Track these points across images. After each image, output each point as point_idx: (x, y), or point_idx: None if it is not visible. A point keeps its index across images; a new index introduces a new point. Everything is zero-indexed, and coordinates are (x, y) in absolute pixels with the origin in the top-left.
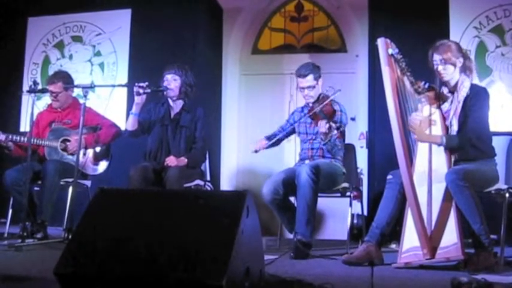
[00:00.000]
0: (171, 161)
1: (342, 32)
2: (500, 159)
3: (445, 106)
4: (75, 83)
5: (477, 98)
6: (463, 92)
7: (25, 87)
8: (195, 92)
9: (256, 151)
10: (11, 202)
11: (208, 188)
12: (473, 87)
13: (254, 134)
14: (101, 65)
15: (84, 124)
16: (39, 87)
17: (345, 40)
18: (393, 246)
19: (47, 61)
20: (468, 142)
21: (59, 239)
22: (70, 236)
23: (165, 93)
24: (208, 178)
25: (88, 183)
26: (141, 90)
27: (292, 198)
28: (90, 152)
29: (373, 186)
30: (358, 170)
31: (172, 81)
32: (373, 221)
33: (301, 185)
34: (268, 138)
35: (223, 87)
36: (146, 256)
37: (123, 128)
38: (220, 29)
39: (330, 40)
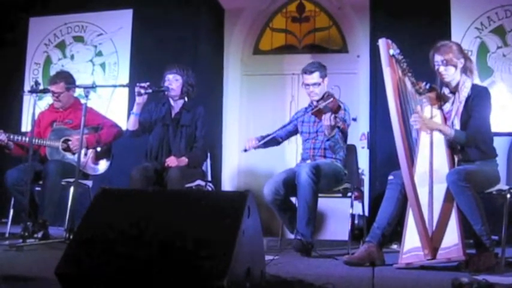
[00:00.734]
0: (171, 161)
1: (344, 33)
2: (501, 160)
3: (447, 107)
4: (77, 83)
5: (479, 98)
6: (464, 92)
7: (26, 87)
8: (195, 92)
9: (245, 150)
10: (12, 202)
11: (210, 189)
12: (475, 88)
13: (256, 134)
14: (103, 65)
15: (86, 124)
16: (41, 87)
17: (347, 40)
18: (394, 246)
19: (48, 61)
20: (473, 142)
21: (60, 239)
22: (71, 236)
23: (166, 93)
24: (209, 178)
25: (89, 183)
26: (142, 91)
27: (293, 199)
28: (91, 152)
29: (375, 187)
30: (360, 171)
31: (174, 81)
32: (375, 221)
33: (301, 185)
34: (260, 139)
35: (224, 87)
36: (147, 256)
37: (124, 128)
38: (221, 29)
39: (332, 40)
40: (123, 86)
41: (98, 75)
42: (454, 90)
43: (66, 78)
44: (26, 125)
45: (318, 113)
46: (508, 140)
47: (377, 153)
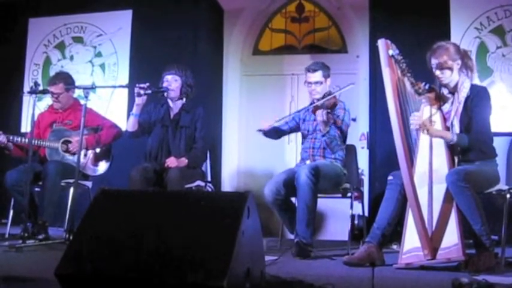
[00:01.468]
0: (171, 162)
1: (343, 33)
2: (501, 160)
3: (446, 107)
4: (76, 84)
5: (478, 99)
6: (464, 92)
7: (26, 88)
8: (194, 92)
9: (261, 130)
10: (12, 203)
11: (209, 189)
12: (474, 88)
13: (255, 134)
14: (102, 66)
15: (85, 125)
16: (40, 88)
17: (346, 41)
18: (394, 247)
19: (48, 62)
20: (477, 144)
21: (60, 240)
22: (71, 237)
23: (165, 94)
24: (209, 179)
25: (89, 184)
26: (141, 91)
27: (293, 199)
28: (91, 153)
29: (374, 187)
30: (359, 171)
31: (173, 82)
32: (374, 221)
33: (300, 186)
34: (274, 124)
35: (224, 87)
36: (147, 257)
37: (124, 128)
38: (221, 30)
39: (331, 41)
40: (123, 86)
41: (98, 76)
42: (453, 91)
43: (66, 79)
44: (25, 126)
45: (315, 109)
46: (508, 140)
47: (376, 154)
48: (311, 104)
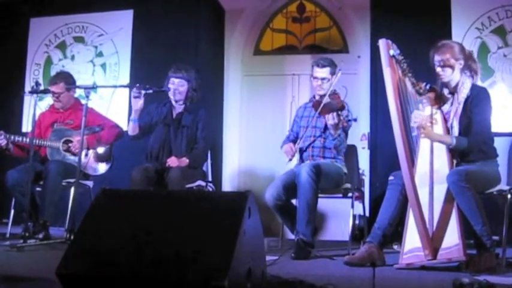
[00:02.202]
0: (172, 161)
1: (344, 33)
2: (502, 160)
3: (446, 107)
4: (77, 83)
5: (479, 99)
6: (463, 93)
7: (27, 88)
8: (199, 96)
9: (290, 160)
10: (13, 202)
11: (210, 189)
12: (474, 88)
13: (256, 134)
14: (103, 66)
15: (86, 125)
16: (41, 87)
17: (347, 41)
18: (395, 247)
19: (49, 62)
20: (477, 146)
21: (60, 240)
22: (72, 237)
23: (169, 94)
24: (210, 179)
25: (90, 183)
26: (137, 93)
27: (295, 201)
28: (92, 153)
29: (375, 187)
30: (360, 171)
31: (179, 86)
32: (375, 221)
33: (301, 184)
34: (293, 141)
35: (225, 88)
36: (148, 257)
37: (125, 128)
38: (222, 30)
39: (332, 41)
40: (124, 86)
41: (99, 75)
42: (454, 91)
43: (66, 79)
44: (26, 126)
45: (323, 110)
46: (509, 140)
47: (377, 154)
48: (311, 100)
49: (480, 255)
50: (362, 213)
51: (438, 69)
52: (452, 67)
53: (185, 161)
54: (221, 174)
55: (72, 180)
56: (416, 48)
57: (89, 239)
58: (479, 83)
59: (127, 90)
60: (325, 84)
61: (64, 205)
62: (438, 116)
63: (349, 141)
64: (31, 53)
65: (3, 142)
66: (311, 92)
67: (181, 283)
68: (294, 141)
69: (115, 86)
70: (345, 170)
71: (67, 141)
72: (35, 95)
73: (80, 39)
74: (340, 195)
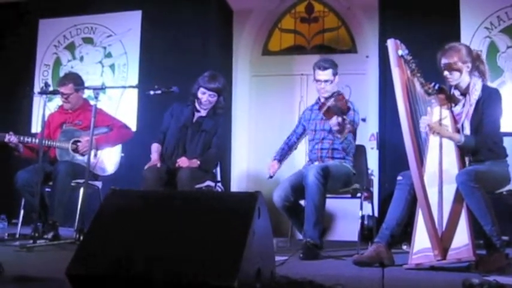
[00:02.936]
0: (182, 161)
1: (352, 33)
2: (511, 160)
3: (457, 109)
4: (86, 84)
5: (490, 100)
6: (475, 95)
7: (36, 89)
8: (224, 109)
9: (271, 176)
10: (22, 203)
11: (219, 189)
12: (485, 89)
13: (264, 134)
14: (112, 67)
15: (95, 125)
16: (50, 88)
17: (355, 41)
18: (404, 247)
19: (58, 63)
20: (485, 146)
21: (70, 240)
22: (81, 237)
23: (196, 103)
24: (219, 179)
25: (99, 184)
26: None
27: (303, 202)
28: (101, 153)
29: (384, 187)
30: (369, 171)
31: (210, 97)
32: (383, 222)
33: (308, 186)
34: (279, 159)
35: (233, 88)
36: (158, 257)
37: (133, 129)
38: (230, 30)
39: (340, 41)
40: (133, 87)
41: (107, 76)
42: (465, 92)
43: (75, 80)
44: (36, 127)
45: (327, 113)
46: None
47: (386, 154)
48: (317, 102)
49: (490, 255)
50: (371, 214)
51: (446, 73)
52: (459, 70)
53: (195, 162)
54: (229, 175)
55: (81, 181)
56: (425, 48)
57: (98, 239)
58: (488, 83)
59: (136, 90)
60: (328, 86)
61: (73, 205)
62: (447, 117)
63: (358, 142)
64: (40, 54)
65: (14, 139)
66: (318, 92)
67: (190, 283)
68: (290, 148)
69: (124, 87)
70: (354, 171)
71: (76, 142)
72: (44, 96)
73: (88, 40)
74: (349, 195)
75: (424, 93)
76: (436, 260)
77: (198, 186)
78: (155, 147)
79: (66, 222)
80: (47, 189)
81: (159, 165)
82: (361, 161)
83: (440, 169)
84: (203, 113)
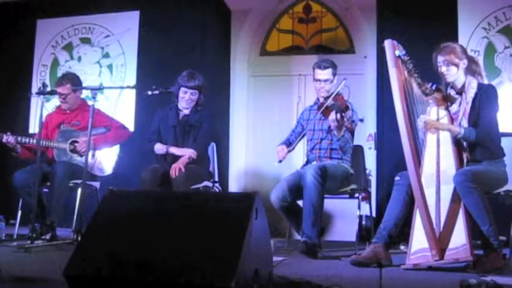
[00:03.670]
0: (175, 169)
1: (350, 33)
2: (509, 160)
3: (454, 108)
4: (84, 84)
5: (486, 97)
6: (471, 93)
7: (34, 89)
8: (204, 102)
9: (280, 161)
10: (20, 203)
11: (217, 190)
12: (481, 86)
13: (262, 135)
14: (110, 67)
15: (93, 126)
16: (48, 89)
17: (353, 41)
18: (402, 247)
19: (55, 63)
20: (484, 139)
21: (68, 241)
22: (79, 238)
23: (178, 103)
24: (216, 179)
25: (97, 184)
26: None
27: (300, 202)
28: (98, 154)
29: (382, 188)
30: (367, 171)
31: (191, 96)
32: (381, 222)
33: (306, 186)
34: (287, 144)
35: (231, 88)
36: (155, 258)
37: (131, 129)
38: (228, 31)
39: (338, 41)
40: (130, 87)
41: (105, 76)
42: (460, 91)
43: (72, 80)
44: (33, 127)
45: (326, 111)
46: None
47: (384, 154)
48: (316, 103)
49: (487, 255)
50: (369, 214)
51: (443, 69)
52: (457, 65)
53: (184, 159)
54: (227, 175)
55: (79, 181)
56: (423, 49)
57: (96, 240)
58: (485, 81)
59: (133, 91)
60: (327, 86)
61: (71, 206)
62: (444, 117)
63: (356, 142)
64: (38, 54)
65: (12, 140)
66: (317, 92)
67: (188, 284)
68: (290, 145)
69: (122, 87)
70: (352, 171)
71: (74, 142)
72: (41, 96)
73: (86, 41)
74: (347, 195)
75: (421, 93)
76: (434, 260)
77: (195, 186)
78: (160, 145)
79: (63, 222)
80: (44, 190)
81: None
82: (359, 161)
83: (437, 169)
84: (187, 111)
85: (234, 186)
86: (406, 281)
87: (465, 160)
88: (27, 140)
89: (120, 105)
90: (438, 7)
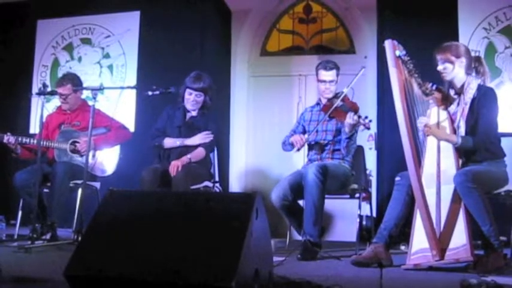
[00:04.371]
0: (173, 169)
1: (351, 34)
2: (509, 161)
3: (452, 108)
4: (84, 85)
5: (485, 99)
6: (470, 93)
7: (34, 90)
8: (211, 106)
9: (298, 149)
10: (20, 204)
11: (217, 190)
12: (481, 88)
13: (263, 135)
14: (110, 67)
15: (94, 126)
16: (49, 89)
17: (354, 41)
18: (402, 247)
19: (56, 63)
20: (482, 146)
21: (68, 241)
22: (80, 238)
23: (185, 103)
24: (217, 179)
25: (97, 184)
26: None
27: (301, 202)
28: (99, 154)
29: (382, 188)
30: (367, 172)
31: (196, 98)
32: (382, 222)
33: (308, 185)
34: (301, 133)
35: (231, 89)
36: (156, 258)
37: (132, 129)
38: (228, 31)
39: (339, 41)
40: (131, 87)
41: (106, 77)
42: (460, 91)
43: (73, 80)
44: (34, 127)
45: (335, 112)
46: None
47: (384, 154)
48: (318, 103)
49: (488, 255)
50: (369, 214)
51: (440, 67)
52: (452, 63)
53: (185, 158)
54: (228, 175)
55: (79, 182)
56: (423, 49)
57: (96, 240)
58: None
59: (134, 91)
60: (333, 87)
61: (71, 206)
62: (445, 117)
63: (357, 142)
64: (38, 55)
65: (12, 140)
66: (318, 93)
67: (188, 285)
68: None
69: (122, 88)
70: (352, 171)
71: (74, 143)
72: (42, 97)
73: (87, 41)
74: (348, 195)
75: (422, 93)
76: (434, 260)
77: (195, 186)
78: (170, 139)
79: (64, 223)
80: (45, 190)
81: (183, 158)
82: (360, 162)
83: (438, 170)
84: (194, 113)
85: (234, 186)
86: (407, 281)
87: (460, 162)
88: (27, 140)
89: (121, 105)
90: (438, 7)
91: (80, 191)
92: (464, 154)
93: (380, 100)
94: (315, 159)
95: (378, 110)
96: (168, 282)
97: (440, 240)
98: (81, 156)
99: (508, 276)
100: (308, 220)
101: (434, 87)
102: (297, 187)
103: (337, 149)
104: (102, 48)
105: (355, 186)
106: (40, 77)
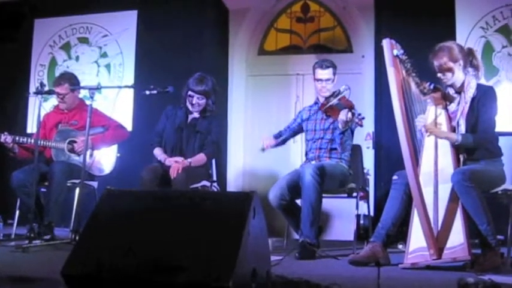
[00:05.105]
0: (173, 171)
1: (348, 33)
2: (507, 160)
3: (452, 107)
4: (82, 84)
5: (485, 98)
6: (470, 92)
7: (32, 89)
8: (215, 107)
9: (263, 149)
10: (18, 203)
11: (215, 189)
12: (480, 87)
13: (261, 134)
14: (108, 67)
15: (91, 125)
16: (46, 88)
17: (351, 41)
18: (400, 246)
19: (53, 63)
20: (482, 144)
21: (66, 240)
22: (77, 237)
23: (187, 104)
24: (214, 179)
25: (95, 184)
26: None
27: (299, 201)
28: (96, 153)
29: (380, 187)
30: (365, 171)
31: (198, 100)
32: (379, 221)
33: (305, 185)
34: (276, 137)
35: (229, 88)
36: (153, 257)
37: (129, 129)
38: (226, 30)
39: (336, 41)
40: (128, 87)
41: (103, 76)
42: (460, 90)
43: (70, 80)
44: (31, 127)
45: (331, 110)
46: None
47: (382, 153)
48: (316, 102)
49: (485, 254)
50: (367, 213)
51: (439, 75)
52: (451, 70)
53: (186, 162)
54: (225, 175)
55: (77, 181)
56: (421, 48)
57: (94, 239)
58: (483, 80)
59: (131, 90)
60: (329, 85)
61: (69, 206)
62: (443, 116)
63: (354, 141)
64: (35, 54)
65: (10, 140)
66: (316, 92)
67: (186, 284)
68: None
69: (119, 87)
70: (350, 170)
71: (72, 142)
72: (39, 96)
73: (84, 40)
74: (345, 195)
75: (420, 92)
76: (432, 259)
77: (193, 186)
78: (159, 151)
79: (61, 222)
80: (42, 190)
81: (184, 161)
82: (357, 161)
83: (435, 168)
84: (196, 114)
85: (232, 186)
86: (404, 280)
87: (461, 159)
88: (25, 139)
89: (118, 104)
90: (436, 6)
91: (77, 191)
92: (464, 151)
93: (378, 99)
94: (313, 158)
95: (375, 109)
96: (165, 282)
97: (437, 239)
98: (79, 155)
99: (505, 274)
100: (305, 221)
101: (432, 87)
102: (294, 186)
103: (334, 148)
104: (100, 48)
105: (352, 185)
106: (37, 76)
